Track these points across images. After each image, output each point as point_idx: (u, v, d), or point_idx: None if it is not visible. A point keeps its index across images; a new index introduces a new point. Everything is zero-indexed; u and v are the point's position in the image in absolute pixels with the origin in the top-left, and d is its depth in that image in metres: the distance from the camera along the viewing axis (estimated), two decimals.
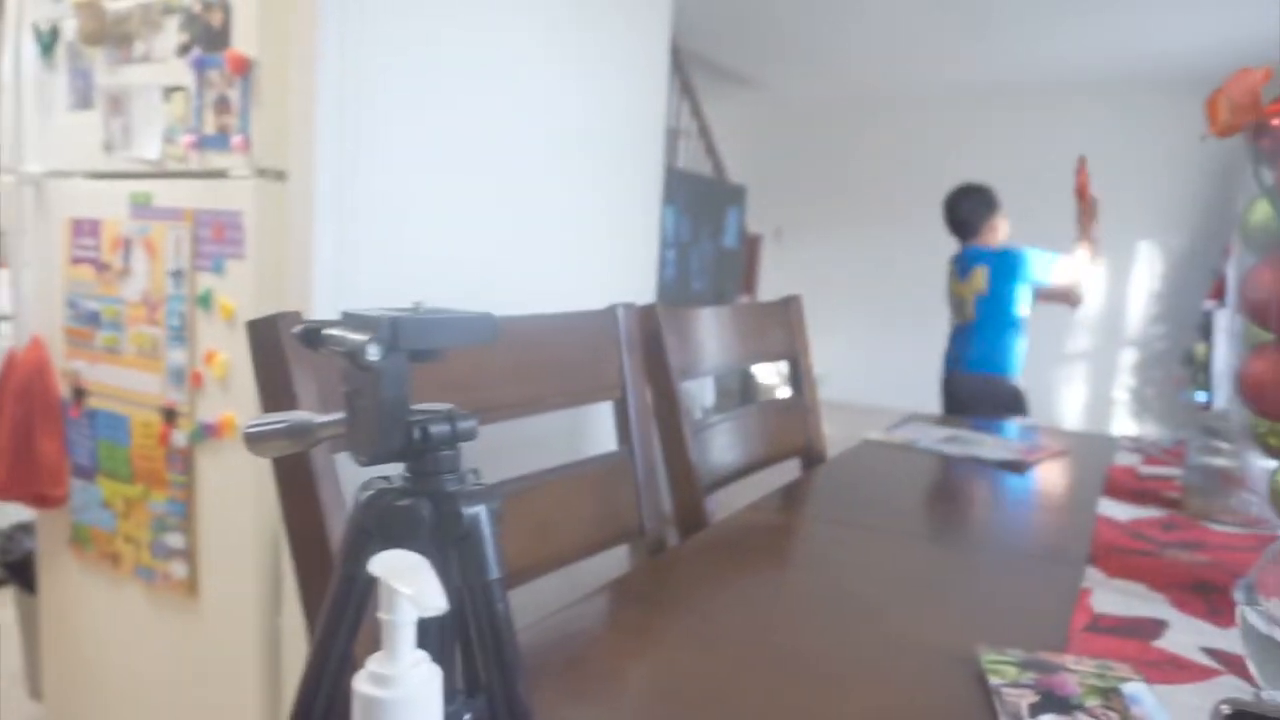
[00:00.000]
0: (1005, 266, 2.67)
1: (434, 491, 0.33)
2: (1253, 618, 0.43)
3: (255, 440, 0.39)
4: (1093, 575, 0.79)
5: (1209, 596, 0.76)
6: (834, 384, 6.74)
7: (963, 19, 4.66)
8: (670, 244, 4.72)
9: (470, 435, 0.34)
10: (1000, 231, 2.84)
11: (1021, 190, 6.36)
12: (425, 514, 0.32)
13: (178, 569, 1.46)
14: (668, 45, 2.55)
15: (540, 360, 0.86)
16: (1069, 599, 0.74)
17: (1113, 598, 0.74)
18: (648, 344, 1.04)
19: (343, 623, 0.33)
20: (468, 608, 0.33)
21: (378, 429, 0.32)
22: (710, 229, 5.46)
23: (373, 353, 0.30)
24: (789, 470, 1.39)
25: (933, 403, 6.47)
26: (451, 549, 0.33)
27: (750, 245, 6.24)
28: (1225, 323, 1.61)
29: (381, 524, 0.32)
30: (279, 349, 0.57)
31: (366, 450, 0.32)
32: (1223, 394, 1.56)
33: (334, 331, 0.33)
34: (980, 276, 2.73)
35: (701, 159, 5.69)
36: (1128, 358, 6.23)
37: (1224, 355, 1.54)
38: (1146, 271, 6.14)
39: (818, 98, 6.96)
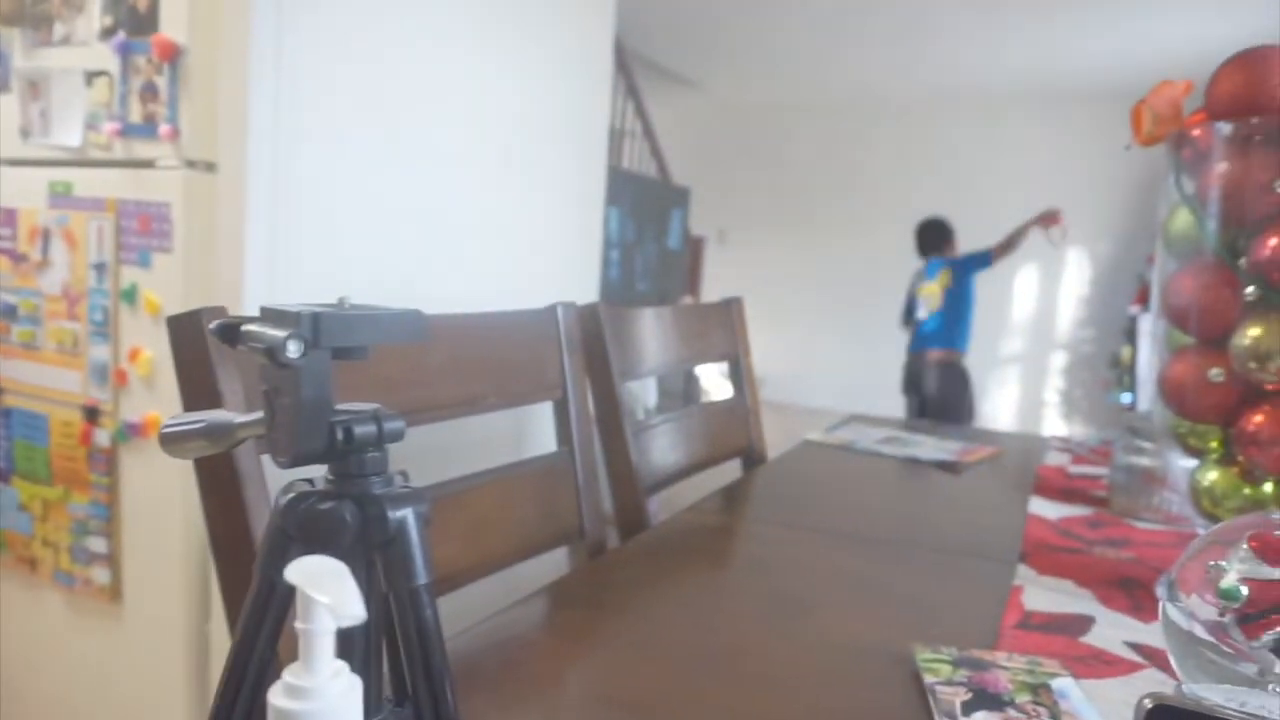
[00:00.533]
0: (961, 266, 3.78)
1: (359, 495, 0.32)
2: (1173, 613, 0.44)
3: (171, 441, 0.37)
4: (1024, 573, 0.81)
5: (1133, 592, 0.78)
6: (774, 385, 6.81)
7: (899, 28, 4.75)
8: (614, 244, 4.71)
9: (397, 436, 0.33)
10: (954, 250, 3.96)
11: (954, 194, 6.52)
12: (349, 518, 0.31)
13: (99, 574, 1.41)
14: (611, 44, 2.54)
15: (478, 359, 0.84)
16: (1001, 597, 0.76)
17: (1043, 595, 0.76)
18: (589, 344, 1.03)
19: (261, 631, 0.31)
20: (394, 614, 0.32)
21: (298, 430, 0.30)
22: (654, 230, 5.47)
23: (292, 350, 0.29)
24: (731, 470, 1.40)
25: (871, 403, 6.61)
26: (377, 554, 0.32)
27: (694, 247, 6.27)
28: (1148, 326, 1.67)
29: (303, 528, 0.31)
30: (201, 346, 0.55)
31: (286, 452, 0.30)
32: (1145, 395, 1.62)
33: (252, 328, 0.31)
34: (946, 275, 3.72)
35: (646, 160, 5.70)
36: (1057, 360, 6.43)
37: (1146, 358, 1.60)
38: (1075, 277, 6.34)
39: (761, 100, 7.03)
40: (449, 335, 0.81)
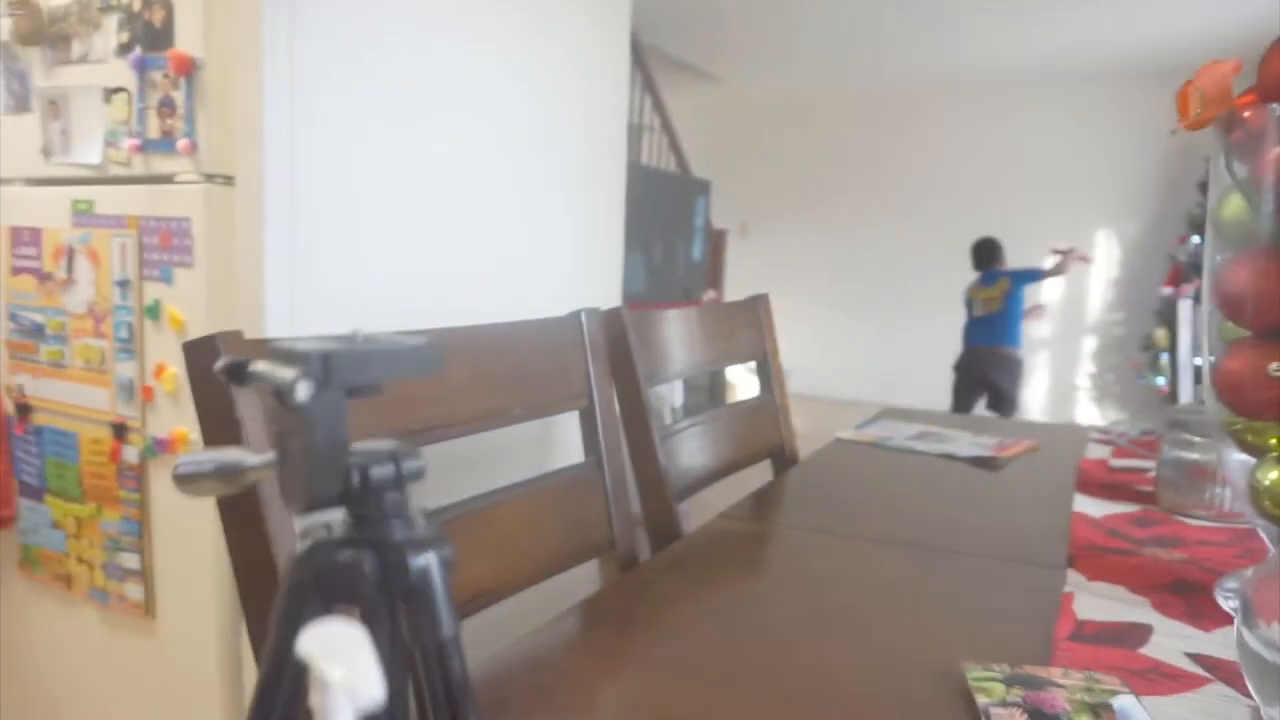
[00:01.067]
0: (1017, 277, 4.44)
1: (378, 540, 0.30)
2: (1251, 641, 0.41)
3: (183, 481, 0.36)
4: (1074, 579, 0.78)
5: (1189, 597, 0.75)
6: (800, 377, 6.75)
7: (919, 13, 4.68)
8: (636, 240, 4.68)
9: (418, 475, 0.31)
10: (1004, 263, 4.58)
11: (979, 181, 6.43)
12: (368, 568, 0.29)
13: (133, 590, 1.41)
14: (628, 42, 2.52)
15: (502, 371, 0.82)
16: (1052, 605, 0.73)
17: (1095, 602, 0.73)
18: (613, 349, 1.01)
19: (276, 701, 0.29)
20: (419, 668, 0.30)
21: (310, 475, 0.28)
22: (675, 224, 5.44)
23: (302, 392, 0.27)
24: (762, 471, 1.37)
25: (898, 393, 6.54)
26: (400, 603, 0.30)
27: (716, 240, 6.23)
28: (1187, 314, 1.62)
29: (320, 580, 0.29)
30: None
31: (298, 499, 0.29)
32: (1188, 385, 1.57)
33: (260, 367, 0.29)
34: (1004, 283, 4.40)
35: (665, 155, 5.67)
36: (1089, 345, 6.32)
37: (1188, 346, 1.55)
38: (1104, 259, 6.23)
39: (779, 92, 6.96)
40: (471, 348, 0.80)
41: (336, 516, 0.31)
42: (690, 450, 1.17)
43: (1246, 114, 0.69)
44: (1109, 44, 5.18)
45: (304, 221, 1.37)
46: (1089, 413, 6.31)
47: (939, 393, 6.66)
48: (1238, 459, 0.76)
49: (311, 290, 1.37)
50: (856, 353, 6.95)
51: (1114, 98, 5.96)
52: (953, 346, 6.47)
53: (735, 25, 5.22)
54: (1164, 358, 5.47)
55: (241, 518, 0.54)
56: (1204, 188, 5.48)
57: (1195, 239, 5.46)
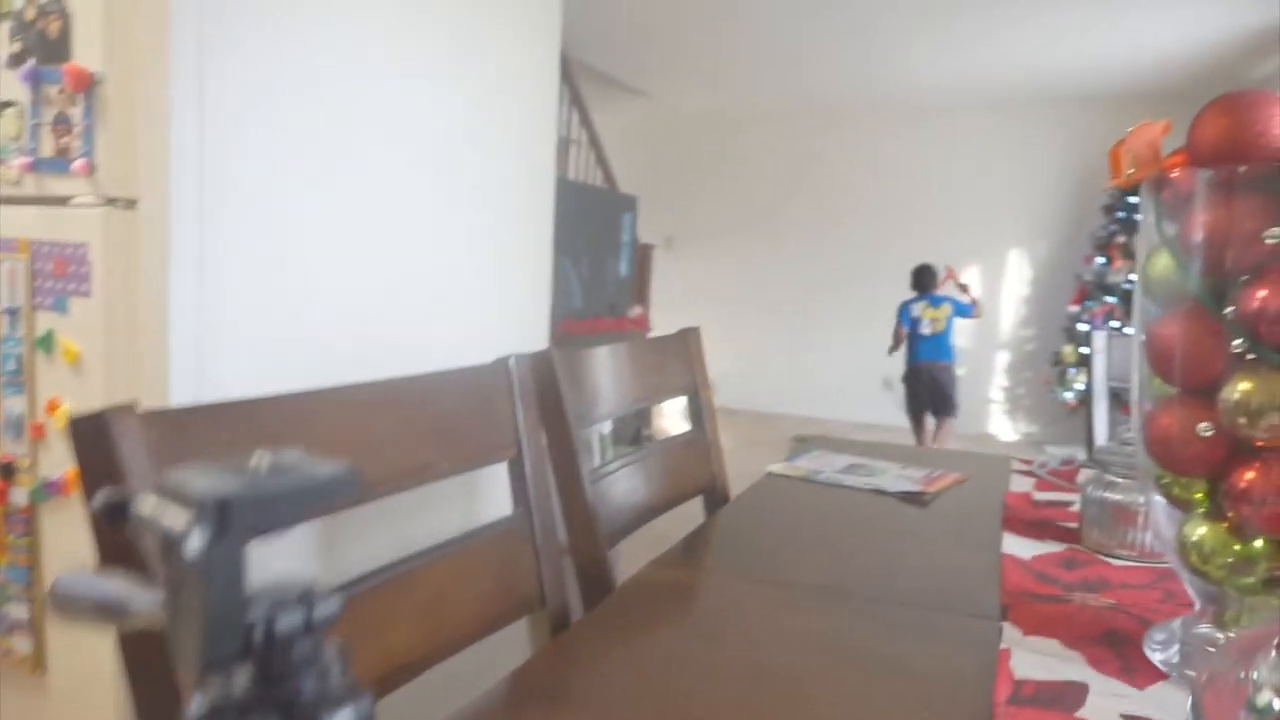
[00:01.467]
0: (957, 305, 5.23)
1: (286, 700, 0.26)
2: None
3: (59, 605, 0.31)
4: (1009, 633, 0.77)
5: (1120, 650, 0.75)
6: (725, 391, 6.80)
7: (841, 35, 4.77)
8: (564, 256, 4.64)
9: (331, 621, 0.28)
10: (941, 287, 5.30)
11: (901, 198, 6.60)
12: None
13: (21, 644, 1.31)
14: (557, 60, 2.49)
15: (427, 424, 0.78)
16: (988, 662, 0.72)
17: (1031, 660, 0.72)
18: (543, 392, 0.97)
19: None
20: None
21: (204, 634, 0.24)
22: (603, 240, 5.42)
23: (194, 544, 0.23)
24: (694, 506, 1.35)
25: (821, 407, 6.63)
26: None
27: (642, 255, 6.23)
28: (1102, 344, 1.67)
29: None
30: (110, 458, 0.48)
31: (192, 663, 0.25)
32: (1103, 416, 1.62)
33: (146, 510, 0.25)
34: (948, 307, 5.20)
35: (592, 169, 5.64)
36: (1002, 360, 6.53)
37: (1102, 378, 1.60)
38: (1016, 278, 6.45)
39: (705, 108, 7.02)
40: (394, 402, 0.75)
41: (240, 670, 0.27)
42: (622, 491, 1.14)
43: (1175, 175, 0.70)
44: (1023, 70, 5.38)
45: (213, 249, 1.30)
46: (1003, 425, 6.52)
47: (862, 405, 6.80)
48: (1158, 501, 0.78)
49: (221, 323, 1.30)
50: (781, 366, 7.04)
51: (1027, 121, 6.19)
52: (874, 360, 6.63)
53: (662, 41, 5.24)
54: (1071, 372, 5.69)
55: (143, 657, 0.48)
56: (1108, 210, 5.74)
57: (1100, 259, 5.71)
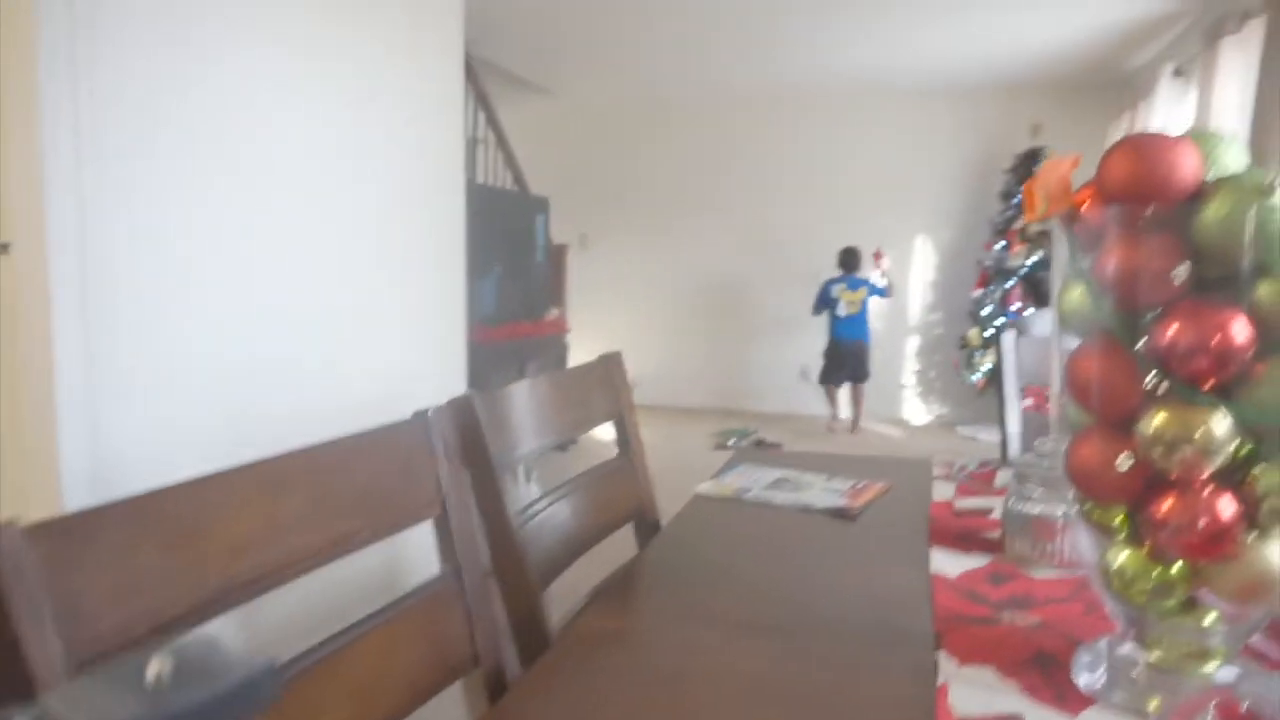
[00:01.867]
0: (872, 288, 5.88)
1: None
2: None
3: None
4: (945, 665, 0.78)
5: (1051, 674, 0.77)
6: (646, 388, 6.81)
7: (748, 27, 4.81)
8: (478, 262, 4.56)
9: None
10: (863, 270, 5.90)
11: (812, 187, 6.71)
12: None
13: None
14: (461, 64, 2.43)
15: (345, 492, 0.74)
16: (927, 699, 0.72)
17: (968, 692, 0.73)
18: (465, 438, 0.94)
19: None
20: None
21: None
22: (517, 244, 5.35)
23: None
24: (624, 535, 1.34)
25: (740, 399, 6.73)
26: None
27: (556, 255, 6.18)
28: (1010, 345, 1.72)
29: None
30: None
31: None
32: (1015, 418, 1.66)
33: None
34: (864, 290, 5.86)
35: (501, 170, 5.56)
36: (913, 344, 6.72)
37: (1014, 381, 1.64)
38: (923, 264, 6.64)
39: (612, 102, 7.00)
40: (306, 474, 0.71)
41: None
42: (551, 530, 1.12)
43: (1085, 208, 0.71)
44: (923, 61, 5.53)
45: (98, 292, 1.21)
46: (916, 409, 6.71)
47: (781, 396, 6.91)
48: (1074, 514, 0.79)
49: (113, 371, 1.21)
50: (700, 360, 7.08)
51: (928, 110, 6.37)
52: (792, 350, 6.77)
53: (565, 35, 5.19)
54: (978, 355, 5.90)
55: None
56: (1004, 197, 5.96)
57: (999, 245, 5.92)
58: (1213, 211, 0.62)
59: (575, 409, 1.25)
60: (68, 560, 0.51)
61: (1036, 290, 5.58)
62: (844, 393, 6.23)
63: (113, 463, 1.12)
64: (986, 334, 5.80)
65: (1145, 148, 0.64)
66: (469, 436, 0.94)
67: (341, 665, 0.69)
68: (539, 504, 1.11)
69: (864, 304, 5.86)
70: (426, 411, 0.85)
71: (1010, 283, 5.76)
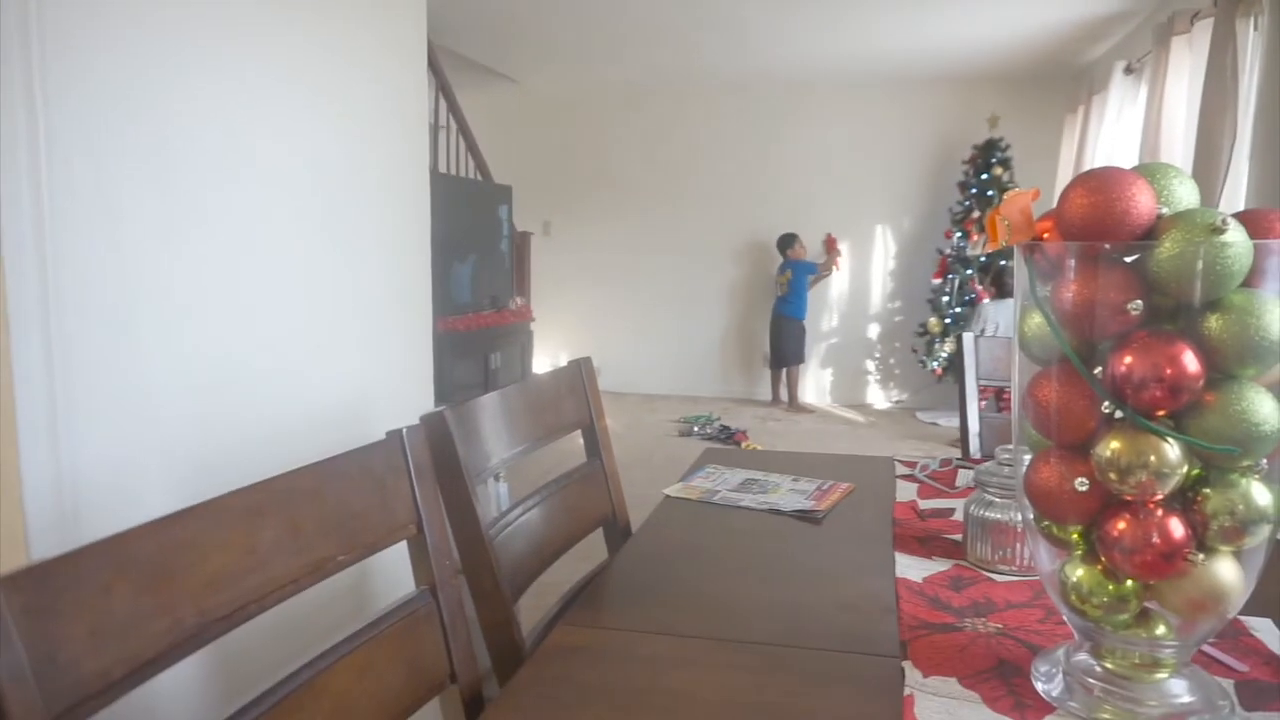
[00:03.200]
0: (797, 268, 6.36)
1: None
2: None
3: None
4: (911, 675, 0.81)
5: (1012, 683, 0.80)
6: (610, 374, 6.83)
7: (707, 15, 4.81)
8: (442, 253, 4.53)
9: None
10: (799, 251, 6.43)
11: (774, 175, 6.74)
12: None
13: None
14: (424, 60, 2.41)
15: (320, 517, 0.74)
16: (895, 708, 0.75)
17: (933, 704, 0.76)
18: (438, 454, 0.95)
19: None
20: None
21: None
22: (480, 232, 5.31)
23: None
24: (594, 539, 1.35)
25: (703, 384, 6.81)
26: None
27: (520, 243, 6.15)
28: (971, 347, 1.76)
29: None
30: None
31: None
32: (975, 418, 1.70)
33: None
34: (789, 273, 6.36)
35: (463, 157, 5.51)
36: (874, 331, 6.81)
37: (973, 383, 1.68)
38: (883, 252, 6.72)
39: (575, 90, 6.96)
40: (280, 502, 0.71)
41: None
42: (524, 537, 1.13)
43: (1045, 237, 0.73)
44: (883, 52, 5.57)
45: (59, 308, 1.19)
46: (877, 394, 6.81)
47: (742, 381, 6.97)
48: (1031, 521, 0.82)
49: (76, 387, 1.19)
50: (662, 346, 7.11)
51: (889, 100, 6.43)
52: (752, 335, 6.85)
53: (530, 26, 5.15)
54: (937, 342, 5.99)
55: None
56: (962, 188, 6.05)
57: (958, 234, 6.01)
58: (1166, 248, 0.65)
59: (548, 415, 1.25)
60: (43, 609, 0.51)
61: (999, 280, 5.67)
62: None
63: (78, 484, 1.10)
64: (946, 321, 5.90)
65: (1104, 184, 0.66)
66: (442, 453, 0.95)
67: (320, 691, 0.70)
68: (511, 513, 1.12)
69: (790, 285, 6.34)
70: (401, 431, 0.85)
71: (969, 271, 5.86)
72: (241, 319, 1.55)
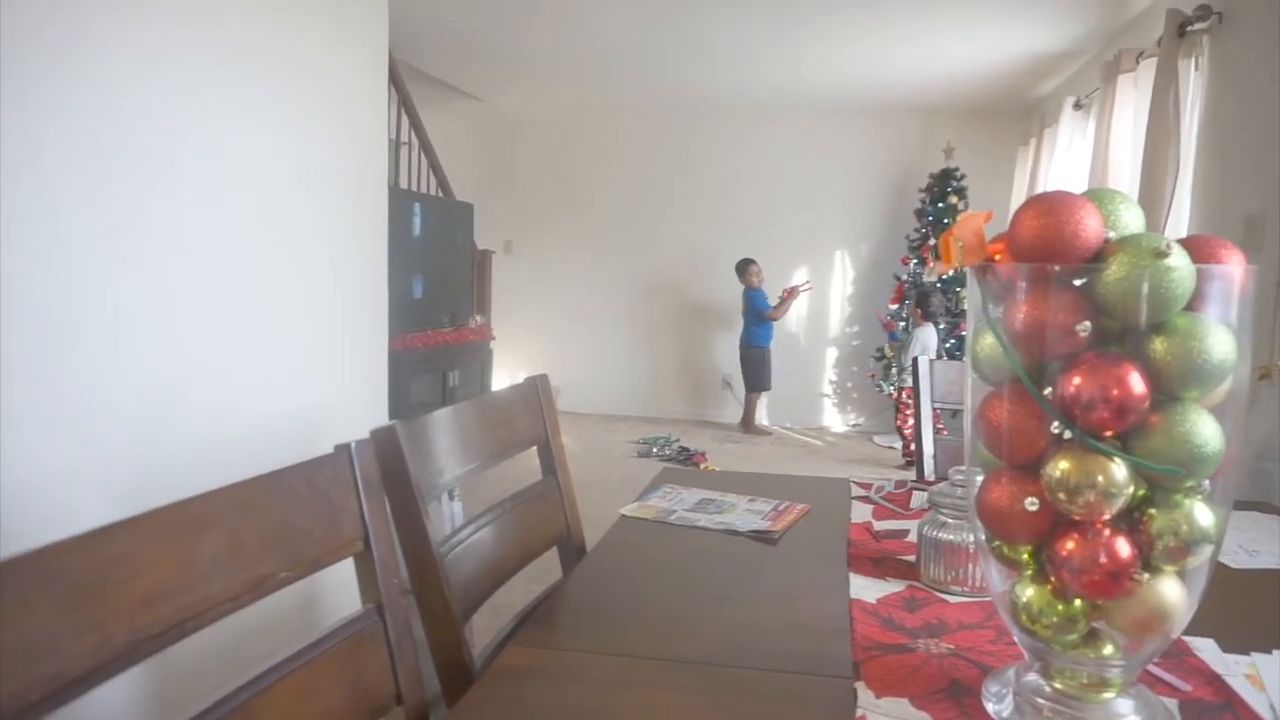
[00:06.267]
0: (751, 298, 6.41)
1: None
2: None
3: None
4: (864, 697, 0.81)
5: (963, 703, 0.80)
6: (571, 395, 6.80)
7: (675, 39, 4.85)
8: (400, 270, 4.49)
9: None
10: (753, 276, 6.41)
11: (736, 199, 6.81)
12: None
13: None
14: (385, 80, 2.39)
15: (263, 532, 0.72)
16: None
17: None
18: (388, 470, 0.93)
19: None
20: None
21: None
22: (441, 249, 5.28)
23: None
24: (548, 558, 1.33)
25: (664, 406, 6.80)
26: None
27: (481, 261, 6.11)
28: (926, 370, 1.78)
29: None
30: None
31: None
32: (929, 438, 1.72)
33: None
34: (745, 300, 6.45)
35: (425, 175, 5.48)
36: (832, 355, 6.88)
37: (928, 404, 1.70)
38: (841, 278, 6.80)
39: (538, 109, 6.98)
40: (223, 515, 0.69)
41: None
42: (476, 555, 1.11)
43: (997, 259, 0.74)
44: (846, 82, 5.67)
45: None
46: (834, 418, 6.87)
47: (703, 403, 6.98)
48: (983, 541, 0.83)
49: (9, 404, 1.15)
50: (623, 367, 7.10)
51: (849, 127, 6.54)
52: (714, 358, 6.88)
53: (493, 45, 5.15)
54: (894, 369, 6.06)
55: None
56: (919, 214, 6.15)
57: (914, 260, 6.11)
58: (1113, 270, 0.66)
59: (502, 431, 1.24)
60: None
61: (923, 304, 5.63)
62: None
63: (10, 496, 1.06)
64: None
65: (1054, 208, 0.67)
66: (392, 468, 0.93)
67: (256, 713, 0.67)
68: (463, 531, 1.10)
69: (745, 315, 6.45)
70: (350, 445, 0.83)
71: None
72: (186, 330, 1.51)
